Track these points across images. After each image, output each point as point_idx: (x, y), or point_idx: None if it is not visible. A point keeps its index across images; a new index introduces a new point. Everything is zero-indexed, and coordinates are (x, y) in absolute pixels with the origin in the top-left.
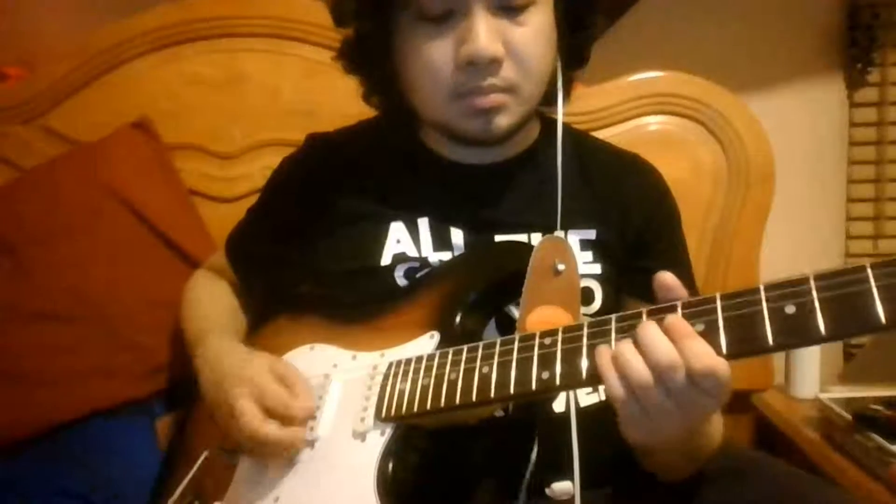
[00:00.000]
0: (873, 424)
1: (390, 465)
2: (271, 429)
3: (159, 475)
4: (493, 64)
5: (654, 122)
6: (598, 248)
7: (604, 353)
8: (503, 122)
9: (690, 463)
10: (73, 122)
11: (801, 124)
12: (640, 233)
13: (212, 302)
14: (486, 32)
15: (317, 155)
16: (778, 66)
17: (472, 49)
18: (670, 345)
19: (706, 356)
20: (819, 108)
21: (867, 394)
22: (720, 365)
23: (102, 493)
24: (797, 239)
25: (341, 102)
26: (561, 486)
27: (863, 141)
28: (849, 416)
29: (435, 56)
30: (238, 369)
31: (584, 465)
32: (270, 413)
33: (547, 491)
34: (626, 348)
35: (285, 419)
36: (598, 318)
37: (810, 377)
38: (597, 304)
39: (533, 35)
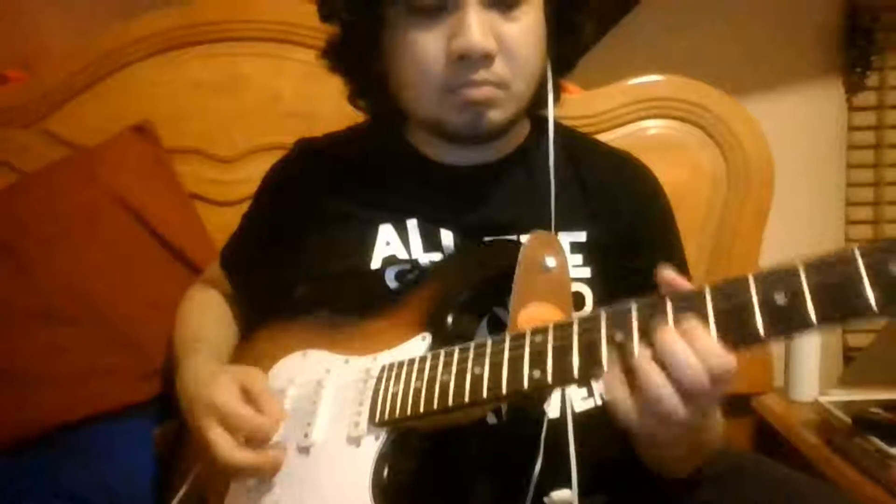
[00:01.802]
0: (873, 427)
1: (385, 470)
2: (244, 455)
3: (159, 485)
4: (486, 59)
5: (653, 126)
6: (588, 250)
7: (614, 376)
8: (495, 116)
9: (694, 456)
10: (74, 126)
11: (800, 128)
12: (631, 232)
13: (196, 317)
14: (478, 26)
15: (305, 160)
16: (777, 70)
17: (464, 43)
18: (695, 358)
19: (719, 355)
20: (818, 111)
21: (867, 397)
22: (733, 362)
23: (101, 496)
24: (796, 242)
25: (341, 106)
26: (560, 494)
27: (861, 144)
28: (848, 420)
29: (426, 50)
30: (206, 395)
31: (582, 472)
32: (239, 436)
33: (546, 500)
34: (644, 363)
35: (255, 439)
36: (589, 314)
37: (810, 380)
38: (587, 308)
39: (525, 32)
